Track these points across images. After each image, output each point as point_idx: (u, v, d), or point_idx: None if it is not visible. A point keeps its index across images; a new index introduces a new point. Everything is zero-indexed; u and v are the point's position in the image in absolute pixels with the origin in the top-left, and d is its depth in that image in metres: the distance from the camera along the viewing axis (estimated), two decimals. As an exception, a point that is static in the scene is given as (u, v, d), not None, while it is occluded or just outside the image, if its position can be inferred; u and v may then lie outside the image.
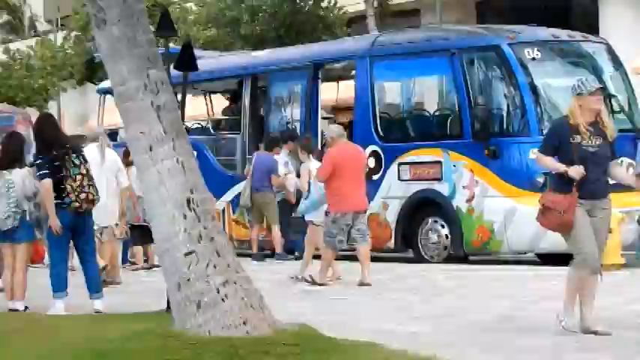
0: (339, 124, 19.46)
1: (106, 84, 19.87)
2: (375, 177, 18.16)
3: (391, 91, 19.89)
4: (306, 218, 15.95)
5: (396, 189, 18.22)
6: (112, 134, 21.32)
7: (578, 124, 8.79)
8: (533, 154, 11.54)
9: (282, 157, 19.49)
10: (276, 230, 19.06)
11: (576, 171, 8.56)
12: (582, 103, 8.87)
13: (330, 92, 21.93)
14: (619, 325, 9.47)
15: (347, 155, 14.35)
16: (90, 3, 8.19)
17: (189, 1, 43.32)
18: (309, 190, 15.87)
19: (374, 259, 16.78)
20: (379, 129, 18.83)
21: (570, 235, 8.90)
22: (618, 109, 17.60)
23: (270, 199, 19.08)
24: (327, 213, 14.55)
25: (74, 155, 11.84)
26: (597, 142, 8.81)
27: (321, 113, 21.07)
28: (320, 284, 14.40)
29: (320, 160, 15.85)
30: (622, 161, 13.43)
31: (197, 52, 14.20)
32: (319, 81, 20.65)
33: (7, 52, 50.73)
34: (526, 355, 8.48)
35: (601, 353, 8.27)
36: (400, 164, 18.15)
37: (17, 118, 22.96)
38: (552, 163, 8.91)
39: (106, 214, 15.02)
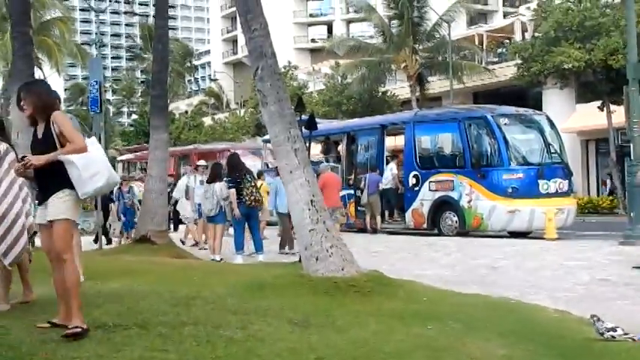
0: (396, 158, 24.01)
1: (266, 137, 21.97)
2: (416, 189, 21.43)
3: (425, 141, 22.56)
4: None
5: (428, 195, 21.20)
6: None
7: None
8: None
9: (387, 173, 23.04)
10: (378, 217, 22.35)
11: None
12: None
13: (391, 141, 25.04)
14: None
15: (329, 178, 17.74)
16: (259, 93, 9.72)
17: (312, 92, 53.62)
18: None
19: (415, 234, 20.57)
20: (418, 162, 21.98)
21: None
22: (553, 151, 20.31)
23: (376, 198, 22.17)
24: None
25: (247, 176, 14.54)
26: None
27: (385, 153, 24.03)
28: None
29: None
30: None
31: (317, 120, 17.07)
32: (385, 135, 23.84)
33: (213, 120, 63.69)
34: (499, 289, 9.98)
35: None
36: (430, 182, 21.18)
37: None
38: None
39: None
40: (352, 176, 24.49)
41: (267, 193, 20.78)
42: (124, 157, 47.71)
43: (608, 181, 37.87)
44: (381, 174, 23.18)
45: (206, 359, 5.30)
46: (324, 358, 5.47)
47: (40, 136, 5.92)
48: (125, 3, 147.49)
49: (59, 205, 5.88)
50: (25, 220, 7.21)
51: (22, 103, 6.01)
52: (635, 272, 11.68)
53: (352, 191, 23.82)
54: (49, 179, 5.88)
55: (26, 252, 7.66)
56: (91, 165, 5.90)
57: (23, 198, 7.26)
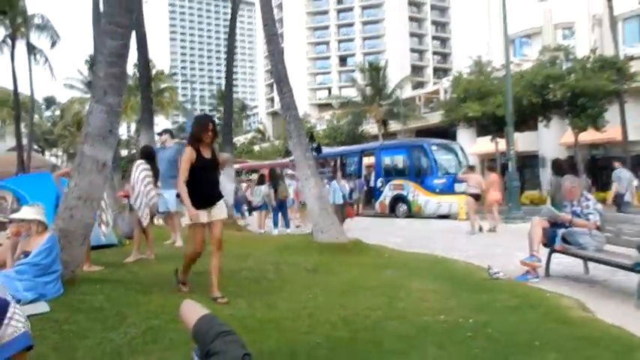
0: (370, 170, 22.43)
1: (292, 158, 22.36)
2: (382, 189, 20.64)
3: (387, 160, 21.59)
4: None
5: (389, 193, 20.52)
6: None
7: None
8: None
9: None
10: (360, 206, 21.22)
11: None
12: None
13: (367, 160, 23.73)
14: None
15: None
16: (287, 132, 9.58)
17: (319, 130, 49.52)
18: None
19: (381, 217, 19.58)
20: (383, 172, 21.14)
21: None
22: (463, 166, 19.03)
23: (361, 195, 21.36)
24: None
25: (280, 181, 14.02)
26: None
27: (363, 168, 23.31)
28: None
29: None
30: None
31: (322, 147, 16.75)
32: (363, 157, 23.22)
33: (260, 147, 58.13)
34: (432, 249, 9.39)
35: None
36: (390, 184, 20.49)
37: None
38: None
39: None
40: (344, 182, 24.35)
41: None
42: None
43: None
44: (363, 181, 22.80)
45: (254, 292, 5.21)
46: (326, 290, 5.41)
47: (209, 157, 5.19)
48: (208, 77, 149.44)
49: (224, 208, 5.39)
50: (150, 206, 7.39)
51: (208, 132, 5.13)
52: (509, 237, 11.45)
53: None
54: (217, 188, 5.33)
55: (150, 226, 7.70)
56: None
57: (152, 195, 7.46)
